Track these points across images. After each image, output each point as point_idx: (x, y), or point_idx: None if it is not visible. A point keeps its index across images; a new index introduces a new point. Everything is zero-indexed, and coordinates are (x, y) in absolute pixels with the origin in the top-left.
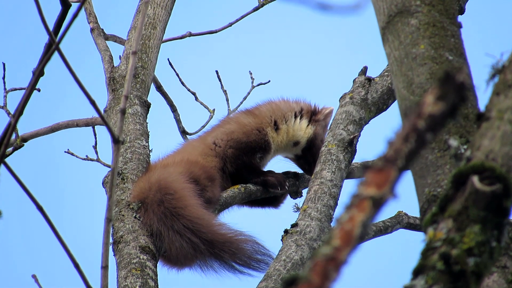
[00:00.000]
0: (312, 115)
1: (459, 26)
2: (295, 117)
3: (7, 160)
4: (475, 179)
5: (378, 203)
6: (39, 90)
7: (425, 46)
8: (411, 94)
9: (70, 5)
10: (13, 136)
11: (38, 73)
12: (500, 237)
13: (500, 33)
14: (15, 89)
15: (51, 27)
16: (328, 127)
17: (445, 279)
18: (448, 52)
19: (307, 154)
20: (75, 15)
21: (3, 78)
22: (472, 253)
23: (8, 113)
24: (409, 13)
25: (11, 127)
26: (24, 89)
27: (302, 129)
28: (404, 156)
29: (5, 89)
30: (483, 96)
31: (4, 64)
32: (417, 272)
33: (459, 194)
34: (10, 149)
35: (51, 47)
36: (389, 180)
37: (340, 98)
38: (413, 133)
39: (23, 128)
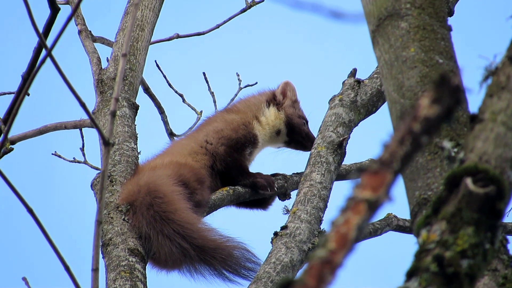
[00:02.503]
0: (274, 99)
1: (449, 29)
2: (267, 107)
3: None
4: (468, 181)
5: (373, 206)
6: (28, 95)
7: (415, 49)
8: (402, 97)
9: (59, 9)
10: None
11: (32, 78)
12: (494, 239)
13: (491, 35)
14: (5, 93)
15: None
16: (297, 99)
17: (438, 281)
18: (438, 55)
19: (293, 136)
20: (69, 19)
21: None
22: (465, 255)
23: None
24: (399, 16)
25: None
26: (13, 93)
27: (276, 116)
28: (399, 159)
29: None
30: (475, 98)
31: None
32: (411, 274)
33: (452, 196)
34: None
35: (41, 51)
36: (384, 183)
37: (330, 100)
38: (408, 136)
39: (11, 130)
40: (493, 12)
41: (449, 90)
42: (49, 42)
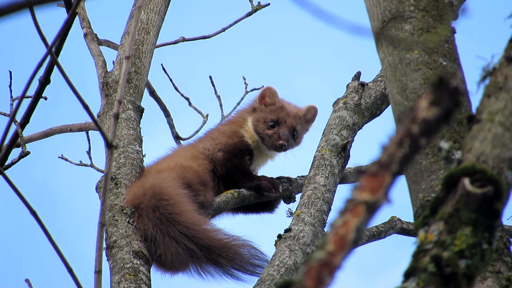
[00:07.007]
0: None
1: (453, 31)
2: (249, 117)
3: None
4: (466, 182)
5: (372, 208)
6: (45, 99)
7: (419, 51)
8: (405, 99)
9: (77, 13)
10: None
11: (40, 81)
12: (491, 239)
13: (489, 35)
14: (24, 97)
15: (53, 33)
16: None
17: (436, 281)
18: (442, 58)
19: (263, 141)
20: (69, 20)
21: (10, 86)
22: (463, 255)
23: (15, 122)
24: (403, 18)
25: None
26: (30, 97)
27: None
28: (398, 161)
29: (11, 97)
30: (475, 98)
31: (10, 72)
32: (409, 274)
33: (450, 197)
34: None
35: (58, 54)
36: (383, 185)
37: (334, 103)
38: (407, 138)
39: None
40: (491, 12)
41: (448, 92)
42: (67, 47)
